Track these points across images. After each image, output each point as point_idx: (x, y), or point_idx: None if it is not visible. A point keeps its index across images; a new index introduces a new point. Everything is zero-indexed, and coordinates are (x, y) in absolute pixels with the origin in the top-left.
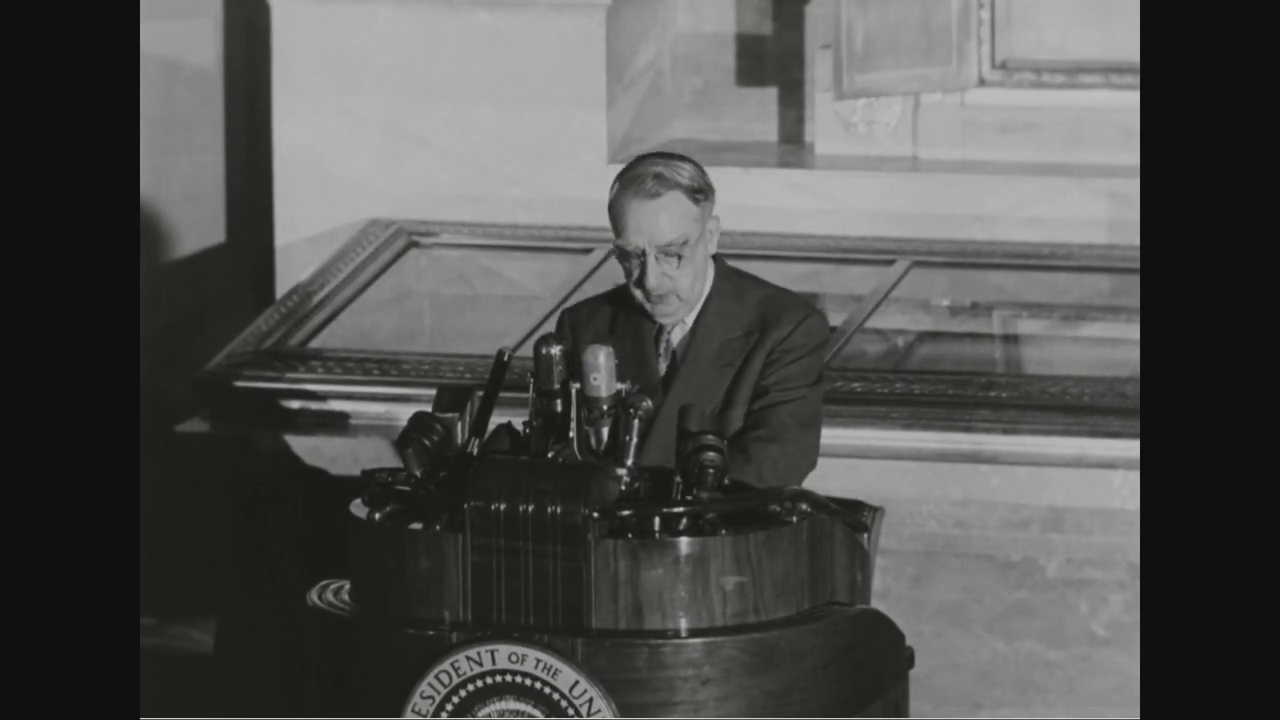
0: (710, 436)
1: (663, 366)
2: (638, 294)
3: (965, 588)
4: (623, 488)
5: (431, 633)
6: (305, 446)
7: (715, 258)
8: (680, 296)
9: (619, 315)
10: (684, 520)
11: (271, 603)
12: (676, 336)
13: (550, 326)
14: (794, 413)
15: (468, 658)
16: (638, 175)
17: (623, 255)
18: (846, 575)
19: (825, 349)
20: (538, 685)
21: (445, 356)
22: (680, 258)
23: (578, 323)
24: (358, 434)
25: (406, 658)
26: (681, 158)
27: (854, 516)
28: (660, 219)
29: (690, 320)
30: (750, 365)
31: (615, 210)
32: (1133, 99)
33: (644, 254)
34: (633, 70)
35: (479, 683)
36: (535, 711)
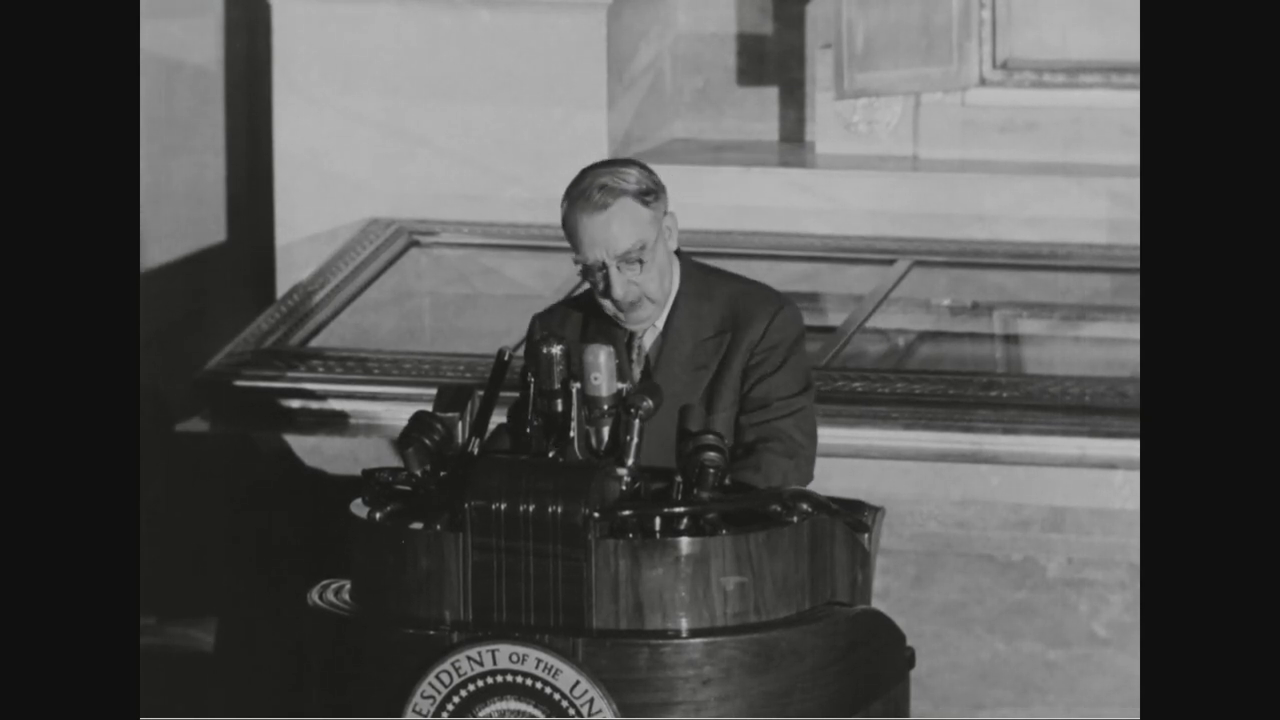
0: (710, 436)
1: (637, 372)
2: (607, 306)
3: (966, 588)
4: (623, 487)
5: (432, 632)
6: (305, 446)
7: (680, 255)
8: (650, 299)
9: (590, 321)
10: (685, 520)
11: (271, 603)
12: (648, 341)
13: (527, 327)
14: (799, 425)
15: (468, 657)
16: (584, 189)
17: (585, 270)
18: (847, 575)
19: (804, 340)
20: (538, 685)
21: (445, 356)
22: (641, 263)
23: (550, 328)
24: (358, 434)
25: (407, 657)
26: (627, 162)
27: (854, 516)
28: (613, 229)
29: (660, 323)
30: (728, 368)
31: (568, 227)
32: (1133, 99)
33: (605, 266)
34: (633, 70)
35: (480, 683)
36: (536, 711)
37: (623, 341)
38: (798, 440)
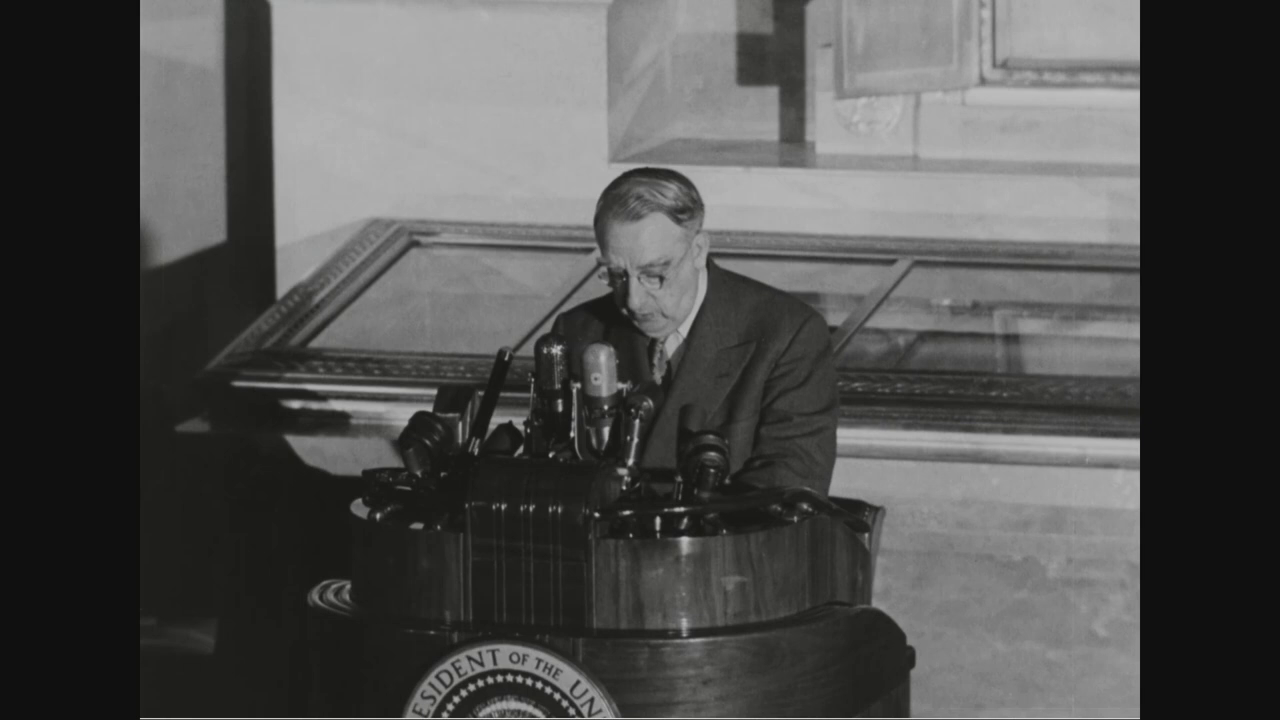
0: (711, 436)
1: (658, 377)
2: (624, 311)
3: (966, 588)
4: (624, 488)
5: (432, 633)
6: (305, 446)
7: (709, 263)
8: (666, 314)
9: (613, 323)
10: (685, 520)
11: (271, 603)
12: (671, 346)
13: (551, 326)
14: (821, 446)
15: (469, 658)
16: (620, 195)
17: (609, 272)
18: (847, 575)
19: (831, 354)
20: (539, 685)
21: (446, 356)
22: (663, 279)
23: (573, 329)
24: (358, 434)
25: (407, 658)
26: (669, 175)
27: (855, 516)
28: (641, 240)
29: (685, 330)
30: (751, 377)
31: (598, 229)
32: (1133, 98)
33: (626, 274)
34: (633, 70)
35: (480, 683)
36: (536, 711)
37: (645, 346)
38: (817, 460)
